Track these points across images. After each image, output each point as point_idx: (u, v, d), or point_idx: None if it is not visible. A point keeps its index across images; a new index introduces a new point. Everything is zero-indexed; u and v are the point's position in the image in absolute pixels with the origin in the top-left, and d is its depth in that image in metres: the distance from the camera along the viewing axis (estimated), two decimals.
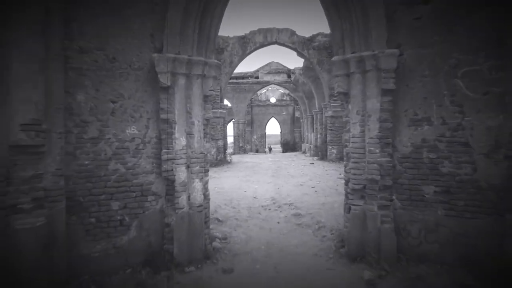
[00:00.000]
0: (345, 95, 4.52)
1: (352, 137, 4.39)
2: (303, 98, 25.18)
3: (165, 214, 4.34)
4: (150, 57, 4.16)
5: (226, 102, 37.87)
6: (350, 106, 4.44)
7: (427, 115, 4.14)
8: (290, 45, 15.77)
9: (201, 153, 4.43)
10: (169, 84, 4.15)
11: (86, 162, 3.89)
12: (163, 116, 4.22)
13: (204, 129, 4.51)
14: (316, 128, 19.28)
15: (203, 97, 4.45)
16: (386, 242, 4.06)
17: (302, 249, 4.61)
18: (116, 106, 4.07)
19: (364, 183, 4.29)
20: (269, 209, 6.65)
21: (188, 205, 4.33)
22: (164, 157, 4.23)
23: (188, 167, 4.35)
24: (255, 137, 37.57)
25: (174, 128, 4.24)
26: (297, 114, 37.94)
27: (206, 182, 4.56)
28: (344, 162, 4.70)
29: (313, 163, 15.03)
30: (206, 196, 4.55)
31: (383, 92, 4.15)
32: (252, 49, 15.77)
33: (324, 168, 13.29)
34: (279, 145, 55.16)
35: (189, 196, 4.34)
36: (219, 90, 15.36)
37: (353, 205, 4.38)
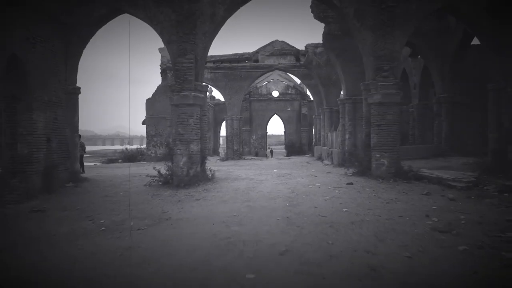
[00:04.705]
0: None
1: None
2: (318, 86, 19.09)
3: None
4: None
5: (216, 93, 31.58)
6: None
7: None
8: None
9: None
10: None
11: None
12: None
13: None
14: (343, 125, 13.17)
15: None
16: None
17: None
18: None
19: None
20: None
21: None
22: None
23: None
24: (254, 137, 31.93)
25: None
26: (303, 110, 32.29)
27: None
28: None
29: (351, 183, 8.90)
30: None
31: None
32: None
33: (379, 198, 7.19)
34: (280, 146, 49.26)
35: None
36: (192, 61, 9.25)
37: None
